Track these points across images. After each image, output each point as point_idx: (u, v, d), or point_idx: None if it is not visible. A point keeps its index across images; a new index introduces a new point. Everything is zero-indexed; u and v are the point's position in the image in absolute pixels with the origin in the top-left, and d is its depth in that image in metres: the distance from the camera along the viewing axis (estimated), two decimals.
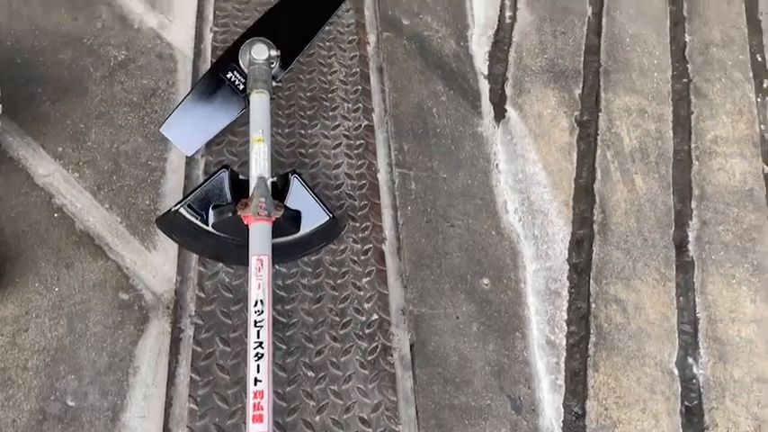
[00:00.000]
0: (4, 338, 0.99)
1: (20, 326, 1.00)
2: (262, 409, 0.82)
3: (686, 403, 1.14)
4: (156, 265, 1.09)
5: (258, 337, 0.87)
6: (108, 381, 0.98)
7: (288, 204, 1.03)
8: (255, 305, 0.89)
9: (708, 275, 1.28)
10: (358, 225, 1.17)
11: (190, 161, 1.18)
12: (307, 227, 1.06)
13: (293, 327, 1.05)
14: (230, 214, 0.99)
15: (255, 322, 0.88)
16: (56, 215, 1.10)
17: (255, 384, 0.84)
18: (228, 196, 1.01)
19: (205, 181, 1.01)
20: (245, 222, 0.97)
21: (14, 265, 1.04)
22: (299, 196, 1.04)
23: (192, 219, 1.01)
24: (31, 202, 1.11)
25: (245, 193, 1.00)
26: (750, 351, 1.21)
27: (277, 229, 1.00)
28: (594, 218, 1.31)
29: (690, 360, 1.18)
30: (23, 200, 1.11)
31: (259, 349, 0.86)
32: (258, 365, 0.85)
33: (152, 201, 1.14)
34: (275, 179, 1.05)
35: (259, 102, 1.06)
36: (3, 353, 0.97)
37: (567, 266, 1.25)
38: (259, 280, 0.91)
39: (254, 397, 0.83)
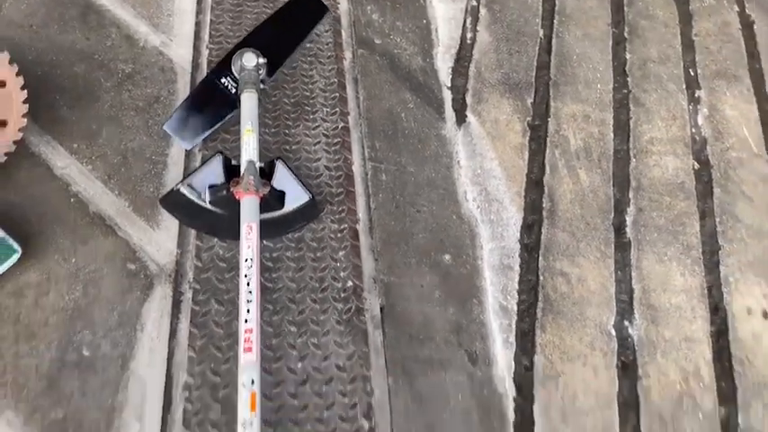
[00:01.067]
0: (28, 300, 1.14)
1: (41, 290, 1.16)
2: (251, 342, 0.98)
3: (622, 359, 1.30)
4: (160, 241, 1.25)
5: (248, 286, 1.04)
6: (118, 335, 1.14)
7: (273, 185, 1.20)
8: (246, 261, 1.06)
9: (643, 254, 1.46)
10: (335, 208, 1.34)
11: (188, 155, 1.35)
12: (290, 205, 1.23)
13: (279, 291, 1.22)
14: (224, 192, 1.16)
15: (246, 275, 1.05)
16: (72, 200, 1.27)
17: (246, 323, 1.00)
18: (222, 177, 1.19)
19: (202, 164, 1.19)
20: (237, 197, 1.15)
21: (37, 241, 1.20)
22: (283, 179, 1.22)
23: (191, 197, 1.18)
24: (51, 190, 1.28)
25: (237, 175, 1.18)
26: (680, 316, 1.38)
27: (264, 206, 1.18)
28: (544, 206, 1.49)
29: (626, 323, 1.35)
30: (45, 187, 1.27)
31: (249, 296, 1.03)
32: (248, 309, 1.02)
33: (155, 188, 1.31)
34: (263, 164, 1.23)
35: (249, 100, 1.25)
36: (27, 312, 1.13)
37: (519, 246, 1.43)
38: (249, 242, 1.08)
39: (245, 333, 1.00)
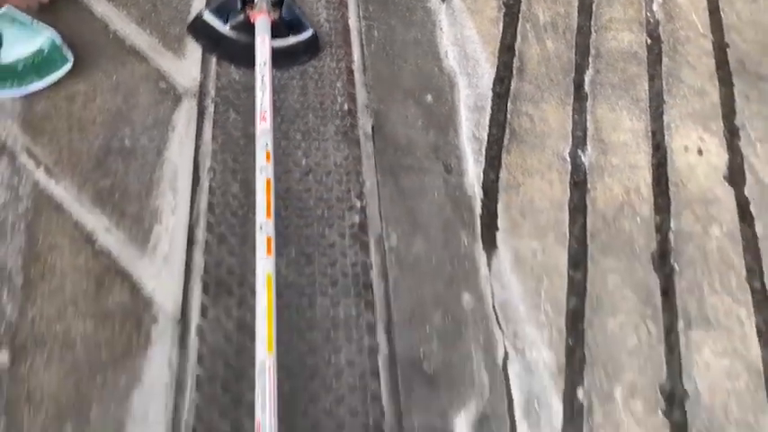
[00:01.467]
0: (78, 104, 1.38)
1: (89, 97, 1.39)
2: (266, 116, 1.22)
3: (574, 178, 1.54)
4: (185, 69, 1.48)
5: (263, 79, 1.27)
6: (154, 133, 1.37)
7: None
8: (259, 62, 1.30)
9: (598, 103, 1.70)
10: (333, 51, 1.58)
11: (208, 4, 1.58)
12: (295, 37, 1.46)
13: (286, 109, 1.45)
14: (241, 17, 1.40)
15: (260, 72, 1.28)
16: (111, 36, 1.50)
17: (261, 105, 1.24)
18: (240, 6, 1.42)
19: None
20: (252, 20, 1.38)
21: (83, 63, 1.43)
22: (290, 12, 1.45)
23: (213, 24, 1.42)
24: (92, 28, 1.50)
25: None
26: (626, 150, 1.62)
27: (274, 32, 1.41)
28: (514, 64, 1.73)
29: (579, 152, 1.59)
30: (88, 26, 1.50)
31: (262, 87, 1.26)
32: (262, 94, 1.25)
33: (181, 29, 1.54)
34: None
35: None
36: (77, 111, 1.37)
37: (491, 93, 1.66)
38: (262, 47, 1.31)
39: (260, 112, 1.23)
